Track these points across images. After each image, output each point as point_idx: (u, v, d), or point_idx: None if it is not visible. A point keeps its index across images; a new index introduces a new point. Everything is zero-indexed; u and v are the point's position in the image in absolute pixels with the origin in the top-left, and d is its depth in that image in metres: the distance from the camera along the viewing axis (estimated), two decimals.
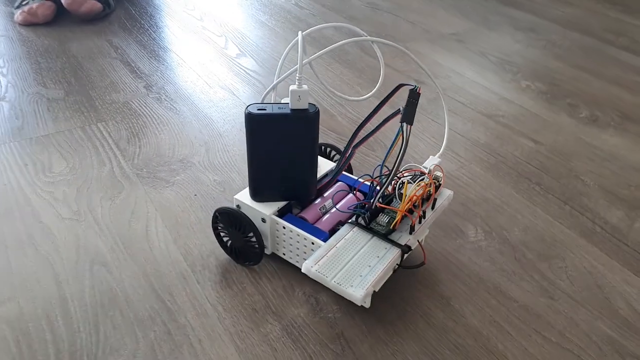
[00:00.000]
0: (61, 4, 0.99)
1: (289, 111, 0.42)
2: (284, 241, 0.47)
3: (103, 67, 0.84)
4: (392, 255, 0.41)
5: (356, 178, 0.52)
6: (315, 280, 0.46)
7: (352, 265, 0.40)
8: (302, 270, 0.40)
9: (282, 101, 0.45)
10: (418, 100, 0.44)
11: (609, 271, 0.50)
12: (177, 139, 0.67)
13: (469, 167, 0.64)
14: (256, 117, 0.42)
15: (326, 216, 0.48)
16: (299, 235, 0.45)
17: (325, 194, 0.49)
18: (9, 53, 0.88)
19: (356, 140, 0.47)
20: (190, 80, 0.81)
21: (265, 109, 0.42)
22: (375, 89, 0.45)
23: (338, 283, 0.39)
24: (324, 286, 0.47)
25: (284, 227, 0.46)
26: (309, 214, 0.47)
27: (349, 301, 0.46)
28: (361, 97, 0.47)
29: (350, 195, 0.50)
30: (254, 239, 0.47)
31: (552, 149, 0.68)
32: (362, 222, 0.44)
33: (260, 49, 0.93)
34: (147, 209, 0.56)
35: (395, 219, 0.44)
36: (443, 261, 0.51)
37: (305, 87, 0.41)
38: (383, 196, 0.45)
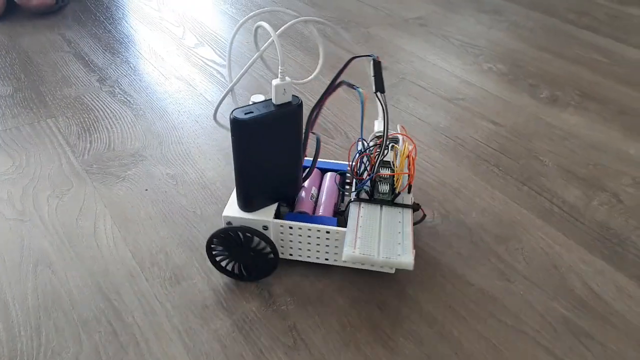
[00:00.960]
0: None
1: (273, 108, 0.40)
2: (291, 241, 0.45)
3: (55, 61, 0.81)
4: (409, 216, 0.43)
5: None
6: (273, 274, 0.45)
7: (385, 237, 0.41)
8: (344, 259, 0.39)
9: (253, 97, 0.42)
10: (381, 68, 0.45)
11: (566, 251, 0.50)
12: (130, 132, 0.65)
13: (428, 152, 0.64)
14: (247, 123, 0.38)
15: (320, 203, 0.47)
16: (310, 229, 0.43)
17: (305, 184, 0.48)
18: None
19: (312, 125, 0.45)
20: (145, 72, 0.79)
21: (252, 112, 0.39)
22: (317, 70, 0.44)
23: (387, 257, 0.39)
24: (277, 279, 0.46)
25: (290, 227, 0.43)
26: (306, 207, 0.46)
27: (302, 292, 0.45)
28: (305, 80, 0.46)
29: (328, 175, 0.50)
30: (267, 248, 0.44)
31: (512, 130, 0.68)
32: (365, 195, 0.44)
33: (220, 38, 0.91)
34: (96, 206, 0.54)
35: (393, 183, 0.44)
36: None
37: (288, 79, 0.39)
38: (370, 166, 0.44)
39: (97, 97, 0.73)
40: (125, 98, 0.72)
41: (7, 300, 0.44)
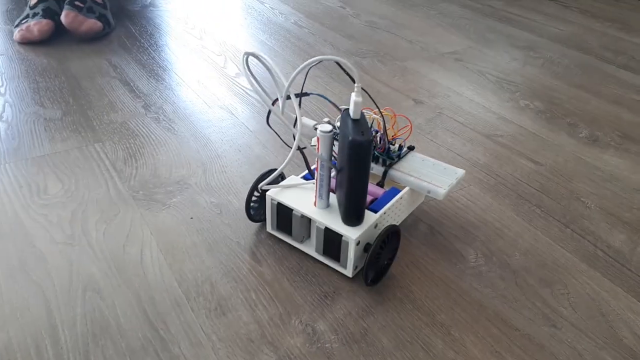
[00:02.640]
0: (60, 22, 0.99)
1: (355, 125, 0.44)
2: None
3: (102, 86, 0.84)
4: (422, 156, 0.57)
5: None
6: (312, 310, 0.45)
7: (433, 178, 0.54)
8: (440, 197, 0.52)
9: (320, 126, 0.47)
10: (343, 67, 0.47)
11: (613, 298, 0.49)
12: (175, 159, 0.67)
13: (468, 189, 0.64)
14: (367, 144, 0.42)
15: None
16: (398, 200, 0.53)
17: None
18: (8, 72, 0.88)
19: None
20: (189, 100, 0.81)
21: (362, 132, 0.43)
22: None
23: (451, 184, 0.53)
24: (320, 315, 0.46)
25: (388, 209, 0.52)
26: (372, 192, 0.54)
27: (345, 330, 0.45)
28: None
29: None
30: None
31: (552, 169, 0.68)
32: (388, 163, 0.55)
33: (260, 69, 0.93)
34: (142, 232, 0.55)
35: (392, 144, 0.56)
36: (443, 287, 0.50)
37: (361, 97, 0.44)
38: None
39: (143, 123, 0.75)
40: (170, 125, 0.74)
41: (57, 325, 0.45)
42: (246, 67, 0.46)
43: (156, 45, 1.00)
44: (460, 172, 0.55)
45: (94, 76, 0.87)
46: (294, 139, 0.49)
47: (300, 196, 0.52)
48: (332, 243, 0.49)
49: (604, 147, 0.73)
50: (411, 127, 0.60)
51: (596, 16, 1.24)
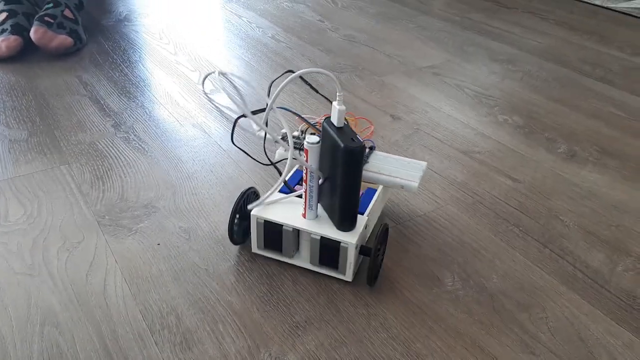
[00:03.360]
0: (30, 39, 0.96)
1: (353, 136, 0.45)
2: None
3: (70, 104, 0.82)
4: (384, 154, 0.58)
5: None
6: (282, 341, 0.43)
7: (402, 174, 0.54)
8: (414, 191, 0.53)
9: (309, 138, 0.46)
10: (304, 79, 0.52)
11: (592, 321, 0.48)
12: (143, 181, 0.65)
13: (445, 208, 0.62)
14: (360, 150, 0.44)
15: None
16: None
17: (295, 187, 0.55)
18: None
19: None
20: (160, 118, 0.79)
21: (352, 139, 0.44)
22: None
23: (421, 177, 0.54)
24: (291, 347, 0.44)
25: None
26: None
27: None
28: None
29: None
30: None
31: (531, 187, 0.67)
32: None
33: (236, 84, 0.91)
34: (106, 260, 0.53)
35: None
36: (419, 314, 0.48)
37: (344, 106, 0.45)
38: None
39: (112, 143, 0.72)
40: (140, 145, 0.72)
41: None
42: (220, 86, 0.46)
43: (129, 61, 0.98)
44: (423, 164, 0.56)
45: (63, 94, 0.85)
46: (264, 152, 0.47)
47: (285, 211, 0.51)
48: (329, 251, 0.49)
49: (582, 162, 0.73)
50: (372, 128, 0.61)
51: (574, 28, 1.25)
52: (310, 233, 0.49)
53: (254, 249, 0.53)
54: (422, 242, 0.57)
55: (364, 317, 0.47)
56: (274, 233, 0.51)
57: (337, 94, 0.44)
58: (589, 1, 1.47)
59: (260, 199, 0.51)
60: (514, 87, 0.95)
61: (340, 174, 0.45)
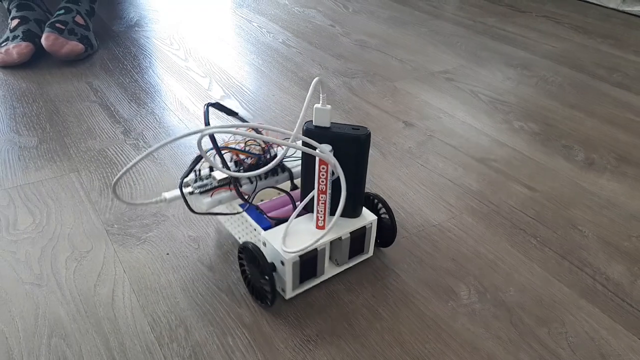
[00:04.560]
0: (41, 45, 0.97)
1: (338, 128, 0.46)
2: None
3: (81, 111, 0.81)
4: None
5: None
6: (293, 356, 0.42)
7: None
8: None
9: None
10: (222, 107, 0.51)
11: (613, 336, 0.47)
12: (153, 189, 0.64)
13: (460, 218, 0.61)
14: (367, 137, 0.45)
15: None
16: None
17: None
18: None
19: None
20: (171, 125, 0.78)
21: (357, 129, 0.45)
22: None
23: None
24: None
25: None
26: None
27: None
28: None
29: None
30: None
31: (548, 196, 0.65)
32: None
33: (246, 90, 0.91)
34: (115, 270, 0.52)
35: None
36: (434, 328, 0.47)
37: (328, 106, 0.45)
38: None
39: (121, 150, 0.72)
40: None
41: None
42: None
43: (139, 67, 0.98)
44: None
45: (74, 101, 0.84)
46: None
47: (299, 233, 0.47)
48: (358, 241, 0.51)
49: (600, 170, 0.71)
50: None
51: (588, 32, 1.23)
52: (341, 236, 0.48)
53: (290, 294, 0.48)
54: (436, 253, 0.55)
55: (377, 332, 0.46)
56: (308, 263, 0.47)
57: (321, 95, 0.44)
58: (603, 4, 1.44)
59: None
60: (529, 93, 0.93)
61: (354, 163, 0.46)
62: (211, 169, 0.50)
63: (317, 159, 0.44)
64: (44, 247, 0.55)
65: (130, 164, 0.37)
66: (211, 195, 0.48)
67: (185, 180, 0.48)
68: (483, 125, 0.81)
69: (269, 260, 0.47)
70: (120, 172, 0.38)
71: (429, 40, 1.16)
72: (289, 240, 0.46)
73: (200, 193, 0.48)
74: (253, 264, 0.47)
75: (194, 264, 0.53)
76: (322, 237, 0.46)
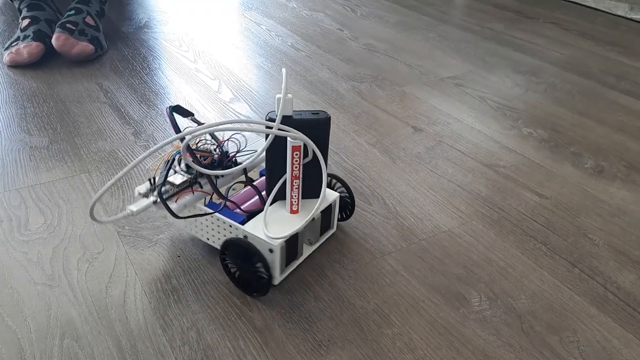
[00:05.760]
0: (51, 45, 0.97)
1: (298, 114, 0.48)
2: None
3: (91, 112, 0.82)
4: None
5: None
6: None
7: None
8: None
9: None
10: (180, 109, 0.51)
11: (625, 346, 0.46)
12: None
13: (470, 224, 0.61)
14: (327, 119, 0.48)
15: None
16: None
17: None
18: None
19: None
20: (180, 127, 0.78)
21: (317, 113, 0.48)
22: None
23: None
24: None
25: None
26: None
27: None
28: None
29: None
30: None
31: (558, 203, 0.65)
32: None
33: (255, 93, 0.91)
34: (126, 272, 0.52)
35: None
36: (445, 335, 0.47)
37: (290, 95, 0.46)
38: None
39: (132, 151, 0.72)
40: (160, 153, 0.72)
41: None
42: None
43: (149, 68, 0.98)
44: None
45: (84, 101, 0.85)
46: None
47: (277, 221, 0.50)
48: (326, 217, 0.54)
49: (610, 178, 0.71)
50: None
51: (596, 39, 1.23)
52: (314, 217, 0.51)
53: (278, 280, 0.50)
54: (447, 259, 0.55)
55: (389, 337, 0.46)
56: (292, 247, 0.50)
57: (283, 85, 0.45)
58: (611, 12, 1.44)
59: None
60: (538, 99, 0.93)
61: (320, 145, 0.49)
62: (167, 175, 0.48)
63: (289, 146, 0.47)
64: (55, 247, 0.55)
65: (108, 184, 0.37)
66: (176, 201, 0.48)
67: (143, 191, 0.47)
68: (492, 131, 0.81)
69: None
70: (99, 192, 0.38)
71: (437, 46, 1.16)
72: (271, 228, 0.49)
73: (166, 199, 0.47)
74: (241, 258, 0.49)
75: (205, 266, 0.53)
76: (306, 220, 0.49)
